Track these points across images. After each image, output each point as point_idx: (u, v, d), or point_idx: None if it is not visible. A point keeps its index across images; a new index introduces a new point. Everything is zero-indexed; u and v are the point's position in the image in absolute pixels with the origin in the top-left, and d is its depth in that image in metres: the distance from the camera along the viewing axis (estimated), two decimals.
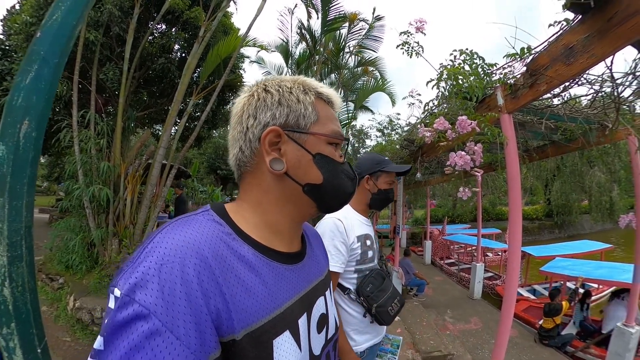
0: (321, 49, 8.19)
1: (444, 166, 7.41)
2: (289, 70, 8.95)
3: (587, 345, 5.31)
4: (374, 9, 8.00)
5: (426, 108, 3.59)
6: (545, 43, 2.06)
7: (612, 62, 2.17)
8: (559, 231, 21.11)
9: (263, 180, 0.66)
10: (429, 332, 4.79)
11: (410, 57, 2.82)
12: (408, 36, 2.75)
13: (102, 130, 5.93)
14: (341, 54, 8.67)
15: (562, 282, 7.62)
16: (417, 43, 2.77)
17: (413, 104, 4.21)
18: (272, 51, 8.70)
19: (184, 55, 7.97)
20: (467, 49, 2.65)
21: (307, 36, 8.09)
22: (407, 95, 4.13)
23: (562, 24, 1.81)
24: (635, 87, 2.58)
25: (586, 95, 2.88)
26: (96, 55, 6.29)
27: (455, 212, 20.22)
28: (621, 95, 2.58)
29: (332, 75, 9.38)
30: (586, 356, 5.21)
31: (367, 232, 1.69)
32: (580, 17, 1.68)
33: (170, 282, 0.46)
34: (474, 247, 11.03)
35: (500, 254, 11.76)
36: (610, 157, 5.85)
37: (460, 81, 2.66)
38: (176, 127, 7.17)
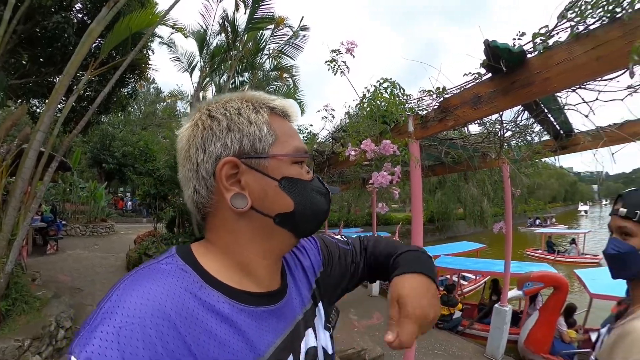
0: (240, 46, 7.87)
1: (344, 176, 7.97)
2: (201, 60, 8.38)
3: (472, 322, 6.53)
4: (302, 18, 8.03)
5: (347, 130, 3.79)
6: (458, 88, 2.37)
7: (503, 112, 2.64)
8: (439, 234, 24.46)
9: (227, 220, 0.58)
10: (339, 331, 5.04)
11: (335, 75, 2.94)
12: (337, 54, 2.85)
13: None
14: (259, 54, 8.48)
15: (447, 276, 9.04)
16: (344, 63, 2.90)
17: (326, 117, 4.38)
18: (188, 36, 8.02)
19: (86, 18, 6.60)
20: (390, 79, 2.88)
21: (229, 29, 7.66)
22: (321, 108, 4.28)
23: (475, 76, 2.11)
24: (514, 130, 3.18)
25: (480, 135, 3.44)
26: None
27: (350, 217, 21.61)
28: (505, 136, 3.14)
29: (246, 74, 9.11)
30: (472, 331, 6.39)
31: None
32: (490, 75, 1.97)
33: (131, 347, 0.41)
34: None
35: None
36: (487, 178, 6.95)
37: (380, 107, 2.88)
38: (61, 106, 6.01)
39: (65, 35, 6.08)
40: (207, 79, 8.68)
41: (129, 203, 22.07)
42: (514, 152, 3.93)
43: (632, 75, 1.28)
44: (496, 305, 4.85)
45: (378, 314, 6.55)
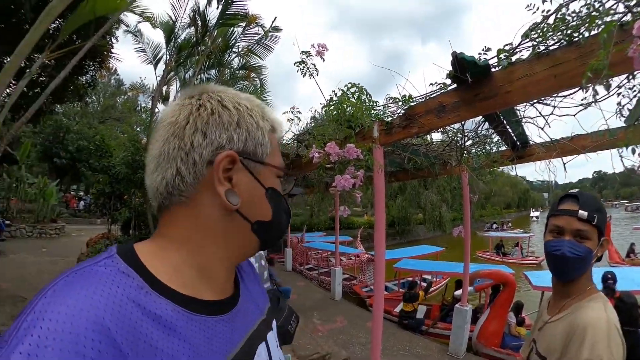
0: (209, 41, 7.61)
1: (308, 180, 7.98)
2: (167, 53, 7.99)
3: (435, 322, 6.70)
4: (275, 19, 7.90)
5: (312, 133, 3.77)
6: (424, 97, 2.42)
7: (465, 121, 2.73)
8: (400, 238, 25.00)
9: (203, 214, 0.53)
10: (303, 336, 4.96)
11: (304, 77, 2.91)
12: (307, 56, 2.83)
13: None
14: (228, 52, 8.26)
15: (410, 279, 9.19)
16: (314, 65, 2.89)
17: (292, 119, 4.34)
18: (156, 27, 7.60)
19: None
20: (358, 84, 2.90)
21: (199, 23, 7.36)
22: (287, 110, 4.24)
23: (441, 86, 2.17)
24: (474, 140, 3.32)
25: (442, 142, 3.56)
26: None
27: (312, 221, 21.71)
28: (466, 144, 3.27)
29: (212, 71, 8.84)
30: (436, 330, 6.59)
31: (261, 252, 1.65)
32: (455, 86, 2.03)
33: None
34: (329, 253, 11.97)
35: (352, 258, 13.07)
36: (446, 185, 7.23)
37: (346, 111, 2.89)
38: (10, 91, 5.43)
39: (22, 10, 5.52)
40: (172, 72, 8.32)
41: (82, 202, 20.44)
42: (474, 160, 4.10)
43: (585, 90, 1.35)
44: (457, 305, 5.08)
45: (341, 317, 6.54)
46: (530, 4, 1.51)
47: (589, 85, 1.20)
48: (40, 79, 7.03)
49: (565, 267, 1.02)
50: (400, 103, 2.67)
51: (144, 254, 0.50)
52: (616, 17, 1.27)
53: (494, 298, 5.90)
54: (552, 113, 1.99)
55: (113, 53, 7.67)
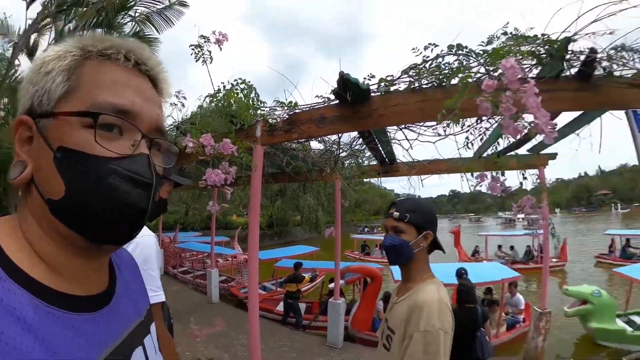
0: None
1: (184, 173, 7.48)
2: None
3: (316, 316, 7.05)
4: None
5: (194, 122, 3.54)
6: (308, 107, 2.52)
7: (341, 135, 2.96)
8: (278, 238, 25.78)
9: (20, 191, 0.45)
10: (181, 343, 4.59)
11: (196, 62, 2.73)
12: (205, 42, 2.64)
13: None
14: (123, 13, 6.94)
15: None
16: (209, 52, 2.71)
17: (176, 104, 3.98)
18: None
19: None
20: (249, 82, 2.82)
21: None
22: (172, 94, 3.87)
23: (325, 100, 2.29)
24: (348, 152, 3.65)
25: (320, 150, 3.81)
26: None
27: (187, 220, 20.36)
28: (340, 155, 3.56)
29: (99, 31, 7.37)
30: (317, 323, 6.91)
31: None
32: (337, 102, 2.18)
33: None
34: (205, 254, 11.40)
35: (229, 259, 12.73)
36: (321, 189, 7.69)
37: (232, 105, 2.80)
38: None
39: None
40: (49, 19, 6.52)
41: None
42: (347, 170, 4.45)
43: (438, 122, 1.61)
44: (330, 299, 5.51)
45: (220, 320, 6.31)
46: (416, 48, 1.83)
47: (444, 121, 1.43)
48: None
49: (389, 254, 1.28)
50: (285, 108, 2.71)
51: (4, 232, 0.41)
52: (477, 74, 1.62)
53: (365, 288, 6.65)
54: (416, 139, 2.36)
55: None
